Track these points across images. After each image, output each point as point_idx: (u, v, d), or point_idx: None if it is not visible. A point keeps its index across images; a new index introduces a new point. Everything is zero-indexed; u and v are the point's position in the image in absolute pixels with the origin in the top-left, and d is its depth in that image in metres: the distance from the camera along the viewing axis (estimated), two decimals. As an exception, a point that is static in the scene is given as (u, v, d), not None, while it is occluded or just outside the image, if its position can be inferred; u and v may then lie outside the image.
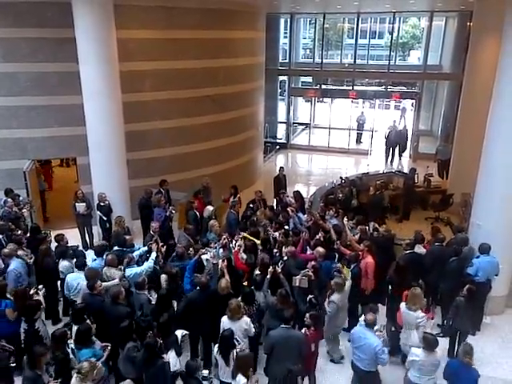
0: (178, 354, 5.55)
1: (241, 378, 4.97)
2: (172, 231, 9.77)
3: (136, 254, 7.60)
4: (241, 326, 5.78)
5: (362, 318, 5.87)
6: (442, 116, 20.04)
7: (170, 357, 5.41)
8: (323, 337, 6.71)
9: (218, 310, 6.06)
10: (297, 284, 6.61)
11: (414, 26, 32.27)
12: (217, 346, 5.54)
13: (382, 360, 5.55)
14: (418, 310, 6.11)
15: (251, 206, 10.31)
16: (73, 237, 9.34)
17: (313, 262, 6.99)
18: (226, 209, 10.30)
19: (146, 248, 7.76)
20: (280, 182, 12.69)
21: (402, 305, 6.28)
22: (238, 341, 5.64)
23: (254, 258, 7.42)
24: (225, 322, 5.84)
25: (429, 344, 5.43)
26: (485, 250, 7.51)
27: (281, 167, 13.26)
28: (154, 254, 7.41)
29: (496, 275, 7.54)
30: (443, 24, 20.89)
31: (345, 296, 6.69)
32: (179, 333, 5.84)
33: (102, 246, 7.73)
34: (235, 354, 5.32)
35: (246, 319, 5.87)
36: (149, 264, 7.20)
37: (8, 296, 6.55)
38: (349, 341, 6.99)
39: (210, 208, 9.88)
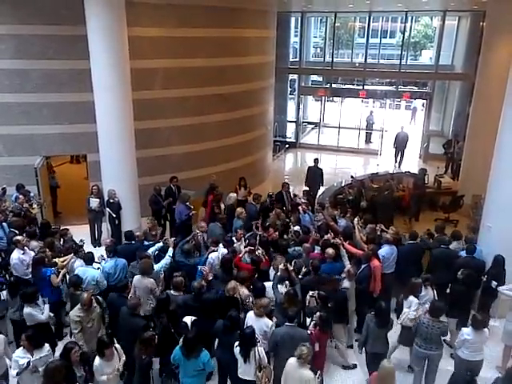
0: None
1: None
2: (191, 228, 9.86)
3: (152, 250, 7.57)
4: (261, 326, 5.74)
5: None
6: (453, 117, 19.88)
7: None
8: (331, 338, 6.70)
9: (212, 314, 6.05)
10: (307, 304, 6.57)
11: (426, 26, 31.98)
12: (237, 343, 5.50)
13: None
14: None
15: (271, 196, 10.66)
16: (82, 233, 9.36)
17: (313, 260, 7.03)
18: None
19: (161, 244, 7.72)
20: (315, 174, 13.38)
21: None
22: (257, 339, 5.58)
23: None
24: (250, 317, 5.84)
25: (477, 323, 5.85)
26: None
27: (315, 159, 13.88)
28: (170, 250, 7.39)
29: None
30: (456, 24, 20.68)
31: (353, 284, 6.93)
32: (188, 319, 5.88)
33: (112, 245, 7.64)
34: (256, 352, 5.31)
35: (267, 321, 5.80)
36: (166, 260, 7.20)
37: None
38: (356, 340, 7.06)
39: (233, 195, 9.93)
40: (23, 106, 10.43)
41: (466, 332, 5.95)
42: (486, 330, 5.98)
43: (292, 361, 5.15)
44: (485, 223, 8.46)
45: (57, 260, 7.32)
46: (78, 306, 5.99)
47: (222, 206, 10.15)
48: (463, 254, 7.95)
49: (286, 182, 11.79)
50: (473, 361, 5.94)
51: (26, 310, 6.18)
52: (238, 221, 9.05)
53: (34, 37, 10.07)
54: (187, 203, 9.98)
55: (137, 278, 6.72)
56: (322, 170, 13.67)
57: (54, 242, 7.81)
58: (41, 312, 6.25)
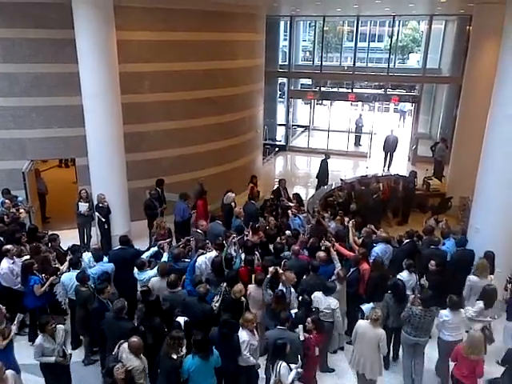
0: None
1: None
2: (189, 227, 9.87)
3: (146, 254, 7.48)
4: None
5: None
6: (441, 119, 20.08)
7: None
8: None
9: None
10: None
11: (414, 30, 32.35)
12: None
13: None
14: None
15: (271, 196, 10.98)
16: (72, 238, 9.30)
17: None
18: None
19: (156, 248, 7.61)
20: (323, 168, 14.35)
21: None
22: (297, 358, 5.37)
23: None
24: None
25: (453, 304, 6.19)
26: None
27: (325, 153, 14.85)
28: (165, 255, 7.28)
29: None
30: (443, 27, 20.94)
31: (344, 286, 6.94)
32: (181, 319, 5.83)
33: (99, 251, 7.50)
34: (278, 366, 5.12)
35: (243, 335, 5.64)
36: None
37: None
38: (348, 343, 7.04)
39: (231, 195, 9.97)
40: (11, 110, 10.33)
41: (445, 314, 6.24)
42: (462, 310, 6.37)
43: (364, 323, 5.85)
44: (473, 225, 8.55)
45: (59, 266, 7.21)
46: (130, 356, 5.14)
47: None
48: (445, 247, 8.15)
49: (283, 178, 12.08)
50: (454, 341, 6.17)
51: (38, 340, 5.58)
52: (236, 220, 9.09)
53: (23, 40, 9.98)
54: (186, 202, 10.00)
55: (156, 279, 6.68)
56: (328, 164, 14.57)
57: (39, 247, 7.57)
58: (53, 348, 5.59)
